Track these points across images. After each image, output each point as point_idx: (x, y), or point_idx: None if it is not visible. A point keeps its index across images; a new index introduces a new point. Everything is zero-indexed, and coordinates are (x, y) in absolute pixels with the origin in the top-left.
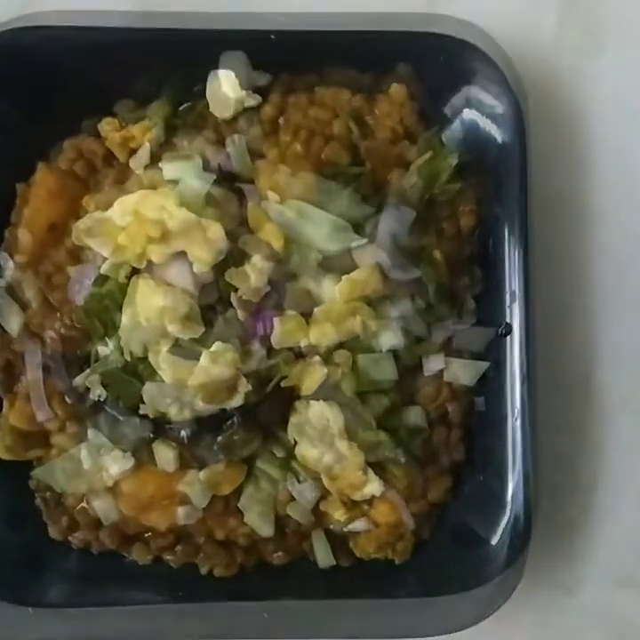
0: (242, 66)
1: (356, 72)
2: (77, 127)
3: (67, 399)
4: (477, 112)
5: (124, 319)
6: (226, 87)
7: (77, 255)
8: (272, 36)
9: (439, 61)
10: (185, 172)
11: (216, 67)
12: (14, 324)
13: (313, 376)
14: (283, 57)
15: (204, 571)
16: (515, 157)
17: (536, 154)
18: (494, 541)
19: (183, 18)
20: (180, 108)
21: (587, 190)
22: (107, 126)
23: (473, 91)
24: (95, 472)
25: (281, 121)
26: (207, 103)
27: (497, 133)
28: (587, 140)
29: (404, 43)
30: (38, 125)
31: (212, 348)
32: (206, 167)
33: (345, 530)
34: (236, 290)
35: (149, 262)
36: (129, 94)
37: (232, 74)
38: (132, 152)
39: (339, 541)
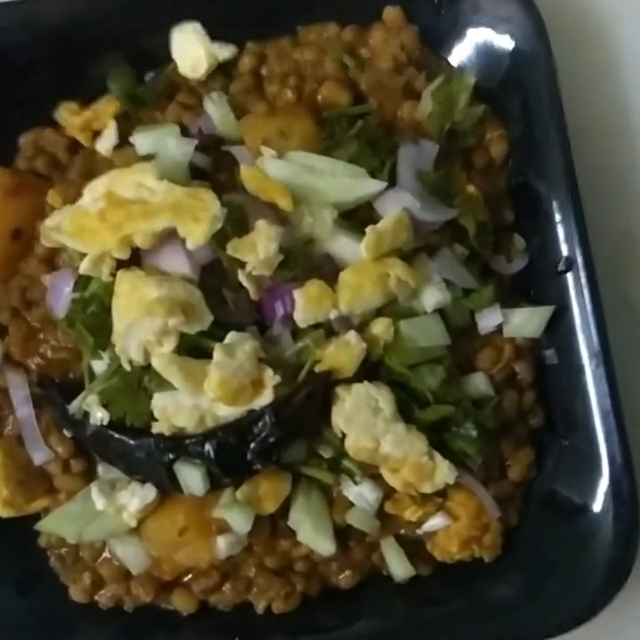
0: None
1: None
2: (34, 120)
3: (65, 432)
4: (489, 24)
5: (116, 323)
6: (193, 41)
7: (52, 261)
8: None
9: None
10: (162, 142)
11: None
12: None
13: (350, 354)
14: None
15: (260, 608)
16: (539, 67)
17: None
18: (597, 509)
19: None
20: (147, 78)
21: (623, 100)
22: (65, 112)
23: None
24: (113, 513)
25: (264, 71)
26: (176, 66)
27: (515, 43)
28: (613, 46)
29: None
30: None
31: (226, 340)
32: (185, 134)
33: (419, 532)
34: (243, 265)
35: (135, 251)
36: (86, 74)
37: (198, 25)
38: (97, 135)
39: (414, 547)
